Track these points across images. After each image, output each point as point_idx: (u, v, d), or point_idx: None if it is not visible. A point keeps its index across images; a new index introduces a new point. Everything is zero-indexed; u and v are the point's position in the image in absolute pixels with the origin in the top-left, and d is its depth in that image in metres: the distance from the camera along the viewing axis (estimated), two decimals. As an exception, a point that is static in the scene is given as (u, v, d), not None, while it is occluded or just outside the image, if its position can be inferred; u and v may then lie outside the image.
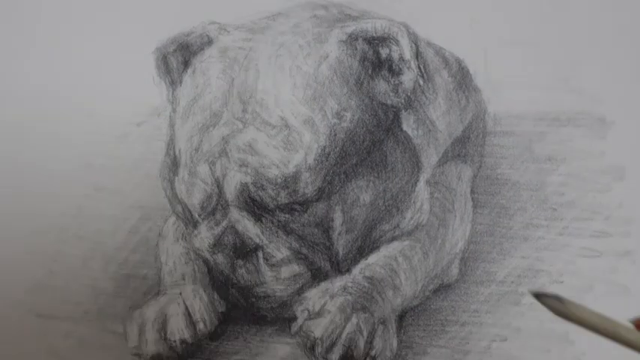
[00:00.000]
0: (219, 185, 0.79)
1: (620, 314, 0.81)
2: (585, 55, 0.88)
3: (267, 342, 0.84)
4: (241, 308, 0.83)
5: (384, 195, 0.82)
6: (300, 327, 0.80)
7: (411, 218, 0.85)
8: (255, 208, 0.79)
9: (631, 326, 0.66)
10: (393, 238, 0.84)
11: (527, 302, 0.85)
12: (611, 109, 0.87)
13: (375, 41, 0.81)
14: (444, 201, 0.87)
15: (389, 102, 0.82)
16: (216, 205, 0.81)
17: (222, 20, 0.85)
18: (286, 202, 0.79)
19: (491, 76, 0.88)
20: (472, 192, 0.88)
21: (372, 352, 0.79)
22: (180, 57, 0.85)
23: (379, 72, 0.81)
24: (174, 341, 0.81)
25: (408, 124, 0.83)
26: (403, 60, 0.81)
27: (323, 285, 0.82)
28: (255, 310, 0.83)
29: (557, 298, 0.65)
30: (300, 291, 0.82)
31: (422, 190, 0.85)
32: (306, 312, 0.80)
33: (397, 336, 0.82)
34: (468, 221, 0.88)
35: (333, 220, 0.80)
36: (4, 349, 0.85)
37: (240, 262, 0.81)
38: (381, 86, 0.81)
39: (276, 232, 0.80)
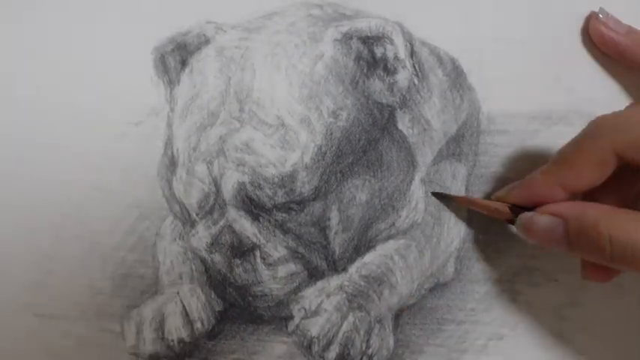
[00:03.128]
0: (216, 184, 0.80)
1: (614, 311, 0.81)
2: (577, 54, 0.88)
3: (264, 341, 0.84)
4: (238, 307, 0.84)
5: (379, 194, 0.82)
6: (297, 326, 0.81)
7: (407, 217, 0.85)
8: (253, 207, 0.80)
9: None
10: (389, 237, 0.85)
11: (524, 300, 0.85)
12: (602, 107, 0.87)
13: (370, 40, 0.81)
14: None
15: (384, 101, 0.82)
16: (213, 205, 0.81)
17: (219, 19, 0.86)
18: (283, 201, 0.79)
19: (485, 75, 0.88)
20: (467, 190, 0.88)
21: (369, 351, 0.80)
22: (177, 56, 0.85)
23: (374, 71, 0.82)
24: (172, 340, 0.82)
25: (404, 122, 0.84)
26: (398, 59, 0.81)
27: (319, 284, 0.82)
28: (252, 309, 0.83)
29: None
30: (296, 290, 0.82)
31: (417, 189, 0.85)
32: (303, 311, 0.81)
33: (394, 335, 0.82)
34: (463, 220, 0.88)
35: (329, 219, 0.81)
36: (2, 349, 0.85)
37: (237, 261, 0.81)
38: (377, 85, 0.82)
39: (273, 231, 0.81)
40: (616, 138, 0.73)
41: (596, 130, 0.74)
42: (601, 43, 0.86)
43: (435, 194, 0.86)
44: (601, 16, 0.86)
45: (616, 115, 0.75)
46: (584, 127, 0.74)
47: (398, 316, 0.84)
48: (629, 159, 0.73)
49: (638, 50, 0.84)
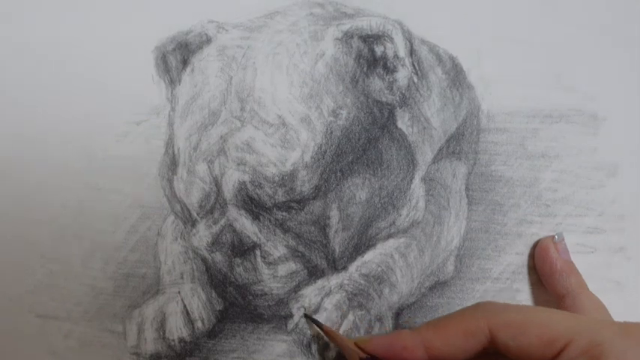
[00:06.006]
0: (217, 184, 0.80)
1: (614, 309, 0.82)
2: (577, 53, 0.88)
3: (264, 339, 0.84)
4: (239, 306, 0.84)
5: (379, 192, 0.82)
6: (297, 324, 0.81)
7: (407, 215, 0.85)
8: (253, 206, 0.80)
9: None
10: (389, 236, 0.85)
11: (523, 299, 0.85)
12: (603, 105, 0.88)
13: (370, 39, 0.81)
14: (439, 198, 0.87)
15: (384, 99, 0.82)
16: (214, 204, 0.81)
17: (221, 19, 0.86)
18: (283, 200, 0.79)
19: (485, 73, 0.88)
20: (467, 189, 0.88)
21: (369, 350, 0.80)
22: (179, 55, 0.85)
23: (374, 70, 0.82)
24: (173, 340, 0.82)
25: (403, 121, 0.84)
26: (398, 57, 0.81)
27: (319, 282, 0.82)
28: (252, 308, 0.83)
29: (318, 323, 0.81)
30: (296, 289, 0.82)
31: (417, 188, 0.85)
32: (303, 309, 0.81)
33: (394, 333, 0.82)
34: (463, 218, 0.88)
35: (329, 218, 0.81)
36: (4, 349, 0.85)
37: (237, 260, 0.81)
38: (376, 84, 0.82)
39: (274, 230, 0.81)
40: (492, 315, 0.71)
41: (478, 305, 0.73)
42: (540, 257, 0.86)
43: (307, 316, 0.82)
44: (557, 237, 0.86)
45: (501, 302, 0.74)
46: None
47: (398, 314, 0.84)
48: (500, 343, 0.70)
49: (564, 280, 0.84)
